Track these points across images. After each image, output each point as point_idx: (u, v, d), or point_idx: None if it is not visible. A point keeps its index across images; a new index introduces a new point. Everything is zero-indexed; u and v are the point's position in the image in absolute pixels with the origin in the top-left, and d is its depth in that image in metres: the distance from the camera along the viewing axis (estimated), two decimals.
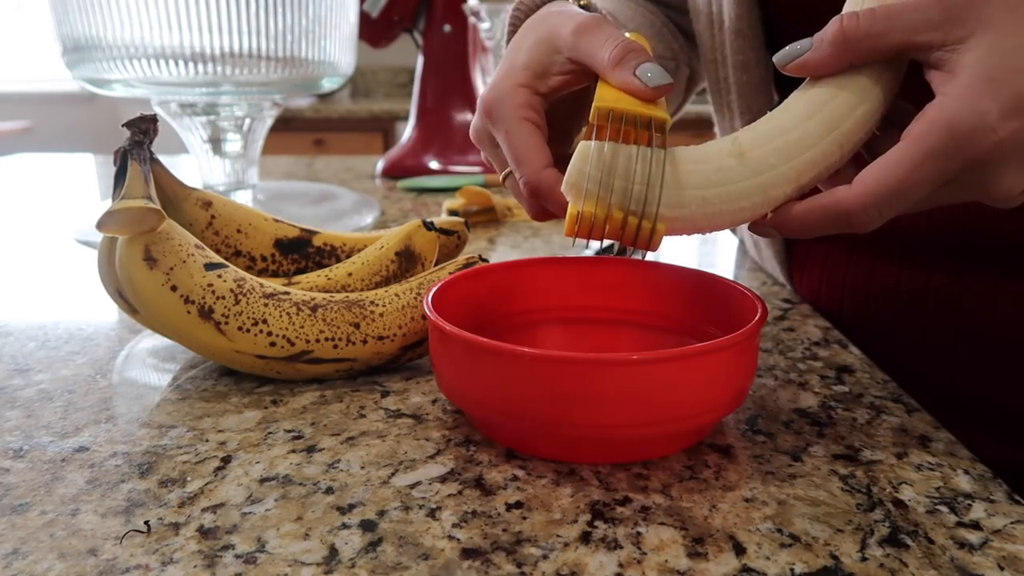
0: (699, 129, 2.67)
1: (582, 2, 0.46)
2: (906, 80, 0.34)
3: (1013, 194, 0.31)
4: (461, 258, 0.46)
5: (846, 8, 0.34)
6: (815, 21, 0.47)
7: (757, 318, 0.35)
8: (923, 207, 0.33)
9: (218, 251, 0.47)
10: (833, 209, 0.32)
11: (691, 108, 0.69)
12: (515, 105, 0.39)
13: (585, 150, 0.34)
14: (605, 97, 0.35)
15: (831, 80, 0.33)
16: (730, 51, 0.55)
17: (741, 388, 0.35)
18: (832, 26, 0.33)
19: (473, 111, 1.10)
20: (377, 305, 0.43)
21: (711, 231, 0.34)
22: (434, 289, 0.39)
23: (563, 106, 0.42)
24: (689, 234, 0.34)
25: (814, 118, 0.33)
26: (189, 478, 0.33)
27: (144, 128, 0.42)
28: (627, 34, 0.42)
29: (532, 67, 0.39)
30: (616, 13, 0.55)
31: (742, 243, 0.75)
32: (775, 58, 0.35)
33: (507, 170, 0.41)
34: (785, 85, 0.56)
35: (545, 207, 0.39)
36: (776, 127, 0.33)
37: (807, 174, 0.33)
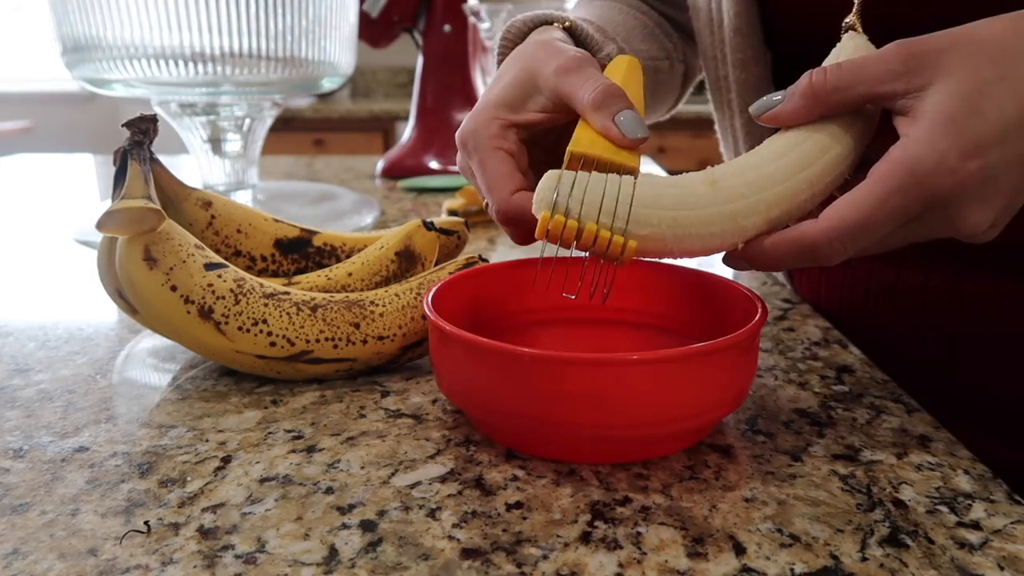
0: (699, 129, 2.67)
1: (566, 24, 0.47)
2: (884, 124, 0.35)
3: (979, 230, 0.33)
4: (461, 258, 0.46)
5: (825, 62, 0.35)
6: (813, 19, 0.47)
7: (757, 318, 0.35)
8: (892, 245, 0.34)
9: (218, 251, 0.47)
10: (798, 242, 0.33)
11: (691, 108, 0.69)
12: (487, 136, 0.40)
13: (553, 173, 0.35)
14: (581, 139, 0.36)
15: (805, 127, 0.35)
16: (729, 49, 0.55)
17: (741, 388, 0.35)
18: (803, 81, 0.34)
19: None
20: (377, 305, 0.43)
21: (681, 255, 0.35)
22: (434, 289, 0.39)
23: (554, 133, 0.43)
24: (660, 256, 0.35)
25: (785, 157, 0.34)
26: (189, 478, 0.33)
27: (144, 128, 0.42)
28: (621, 56, 0.44)
29: (507, 101, 0.40)
30: (605, 19, 0.56)
31: None
32: (751, 109, 0.36)
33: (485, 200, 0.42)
34: (784, 85, 0.56)
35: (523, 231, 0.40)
36: (748, 163, 0.34)
37: (776, 208, 0.34)
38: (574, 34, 0.48)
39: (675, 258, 0.35)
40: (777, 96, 0.35)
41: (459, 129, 0.41)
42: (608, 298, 0.37)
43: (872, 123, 0.35)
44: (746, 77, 0.55)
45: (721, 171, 0.34)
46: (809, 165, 0.34)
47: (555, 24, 0.47)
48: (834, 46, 0.41)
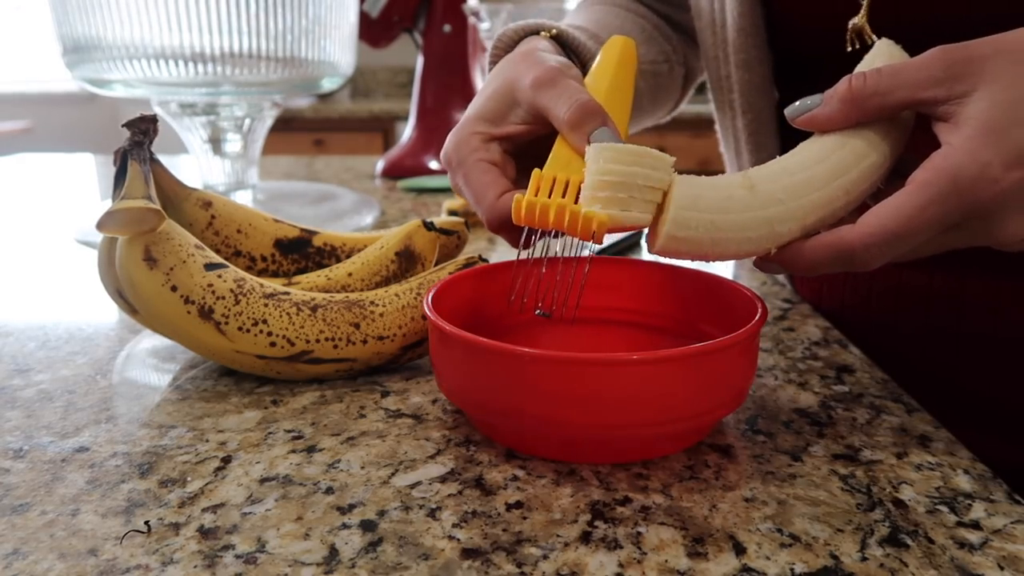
0: (699, 129, 2.67)
1: (552, 32, 0.47)
2: (916, 131, 0.35)
3: (1018, 239, 0.33)
4: (461, 258, 0.46)
5: (858, 69, 0.35)
6: (818, 20, 0.47)
7: (757, 318, 0.35)
8: (929, 252, 0.34)
9: (218, 251, 0.47)
10: (836, 246, 0.33)
11: (691, 108, 0.69)
12: (469, 150, 0.40)
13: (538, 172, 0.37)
14: (559, 157, 0.38)
15: (841, 133, 0.34)
16: (732, 49, 0.55)
17: (741, 388, 0.35)
18: (841, 85, 0.34)
19: None
20: (377, 305, 0.43)
21: (715, 258, 0.34)
22: (434, 289, 0.39)
23: (538, 142, 0.42)
24: (694, 259, 0.35)
25: (822, 164, 0.34)
26: (189, 478, 0.33)
27: (144, 128, 0.42)
28: (615, 37, 0.45)
29: (486, 116, 0.41)
30: (601, 24, 0.56)
31: None
32: (787, 111, 0.36)
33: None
34: (786, 86, 0.56)
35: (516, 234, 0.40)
36: (784, 168, 0.34)
37: (812, 215, 0.33)
38: (562, 42, 0.48)
39: (707, 261, 0.35)
40: (814, 99, 0.35)
41: (443, 147, 0.41)
42: (577, 309, 0.40)
43: (907, 132, 0.35)
44: (750, 77, 0.55)
45: (758, 175, 0.34)
46: (846, 172, 0.34)
47: (542, 33, 0.47)
48: (840, 47, 0.41)
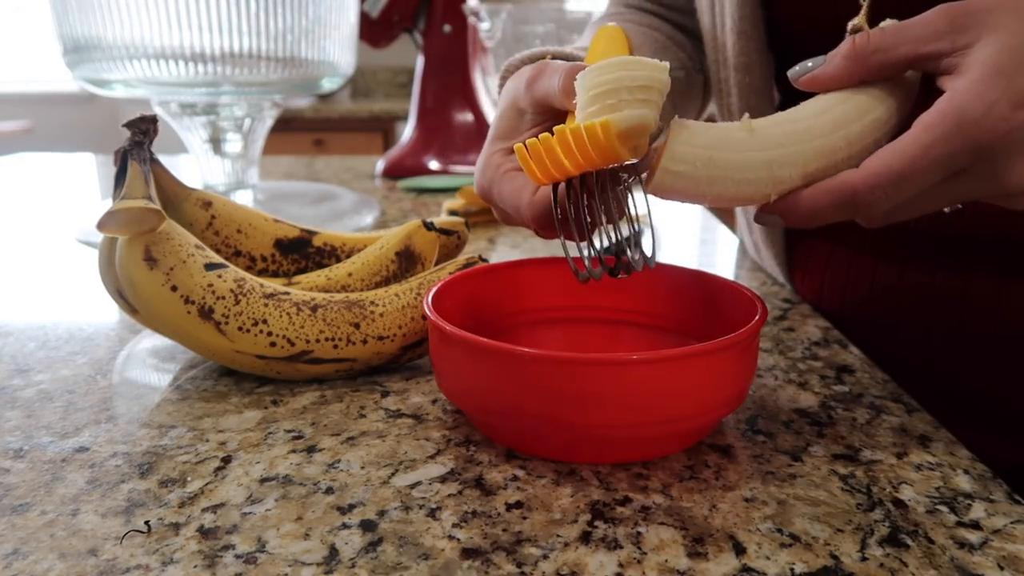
0: None
1: (553, 54, 0.47)
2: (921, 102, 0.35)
3: None
4: (461, 258, 0.46)
5: None
6: (818, 22, 0.46)
7: (757, 318, 0.35)
8: (934, 205, 0.33)
9: (218, 251, 0.47)
10: (839, 191, 0.32)
11: None
12: (494, 167, 0.40)
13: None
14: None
15: (845, 91, 0.34)
16: (732, 52, 0.55)
17: (741, 388, 0.35)
18: (845, 43, 0.34)
19: (473, 111, 1.10)
20: (377, 305, 0.43)
21: (713, 200, 0.33)
22: (434, 289, 0.39)
23: None
24: (690, 199, 0.34)
25: (824, 115, 0.33)
26: (189, 478, 0.33)
27: (144, 128, 0.42)
28: (602, 27, 0.44)
29: (501, 133, 0.41)
30: (585, 43, 0.55)
31: (742, 243, 0.75)
32: (789, 73, 0.35)
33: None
34: (787, 88, 0.56)
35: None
36: (787, 117, 0.34)
37: (813, 162, 0.33)
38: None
39: (705, 204, 0.34)
40: (816, 60, 0.34)
41: (475, 181, 0.42)
42: (649, 264, 0.36)
43: (911, 95, 0.35)
44: (750, 80, 0.55)
45: (758, 121, 0.34)
46: (848, 124, 0.33)
47: (547, 58, 0.47)
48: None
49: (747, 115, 0.34)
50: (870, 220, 0.33)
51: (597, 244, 0.35)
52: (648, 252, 0.37)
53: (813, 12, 0.50)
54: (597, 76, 0.32)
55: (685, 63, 0.61)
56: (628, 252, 0.36)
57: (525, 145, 0.33)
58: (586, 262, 0.35)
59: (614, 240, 0.36)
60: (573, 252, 0.34)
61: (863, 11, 0.39)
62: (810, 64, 0.35)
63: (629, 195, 0.37)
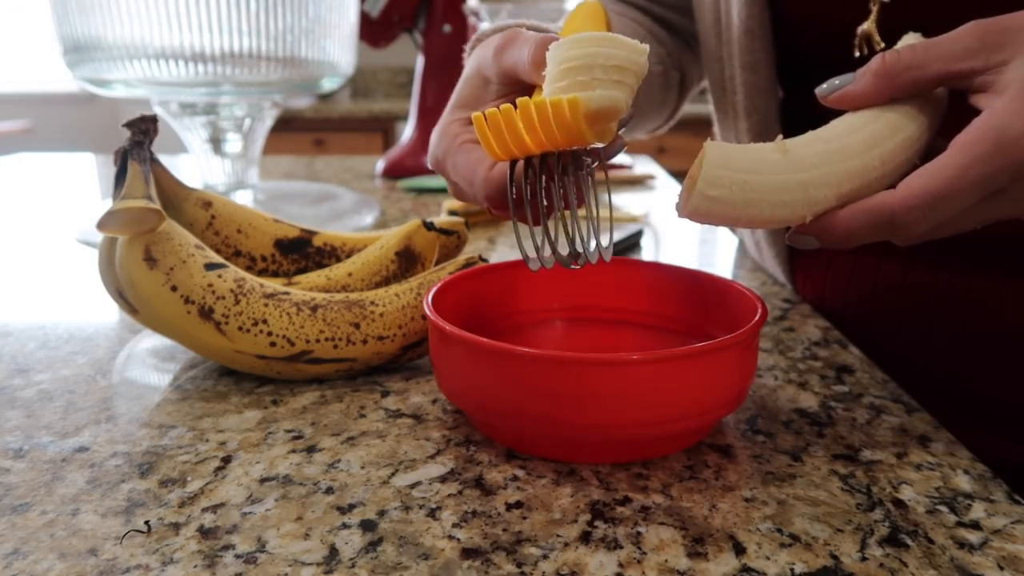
0: (699, 129, 2.67)
1: (528, 26, 0.45)
2: (949, 119, 0.34)
3: None
4: (461, 258, 0.46)
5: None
6: (826, 22, 0.46)
7: (757, 318, 0.35)
8: (970, 224, 0.33)
9: (218, 251, 0.47)
10: (877, 211, 0.32)
11: (691, 108, 0.69)
12: (451, 137, 0.38)
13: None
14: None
15: (874, 109, 0.34)
16: (738, 51, 0.55)
17: (741, 388, 0.35)
18: (874, 61, 0.33)
19: None
20: (377, 305, 0.43)
21: (747, 223, 0.33)
22: (434, 289, 0.39)
23: None
24: (726, 222, 0.33)
25: (856, 134, 0.33)
26: (189, 478, 0.33)
27: (144, 128, 0.42)
28: (580, 4, 0.42)
29: (462, 101, 0.39)
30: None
31: (742, 243, 0.75)
32: (817, 90, 0.35)
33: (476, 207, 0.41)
34: (791, 86, 0.56)
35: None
36: (819, 137, 0.33)
37: (847, 183, 0.32)
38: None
39: (739, 227, 0.33)
40: (845, 77, 0.34)
41: (429, 150, 0.40)
42: (607, 254, 0.34)
43: (940, 111, 0.35)
44: (756, 80, 0.55)
45: (791, 141, 0.33)
46: (881, 143, 0.33)
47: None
48: (846, 49, 0.40)
49: (780, 136, 0.34)
50: (905, 240, 0.32)
51: (552, 229, 0.33)
52: (605, 243, 0.35)
53: (821, 11, 0.50)
54: (570, 49, 0.31)
55: (663, 58, 0.60)
56: (583, 241, 0.34)
57: (485, 115, 0.31)
58: (537, 248, 0.33)
59: (570, 227, 0.33)
60: (525, 235, 0.32)
61: (872, 16, 0.39)
62: (837, 82, 0.34)
63: (590, 181, 0.35)
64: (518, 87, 0.37)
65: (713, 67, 0.60)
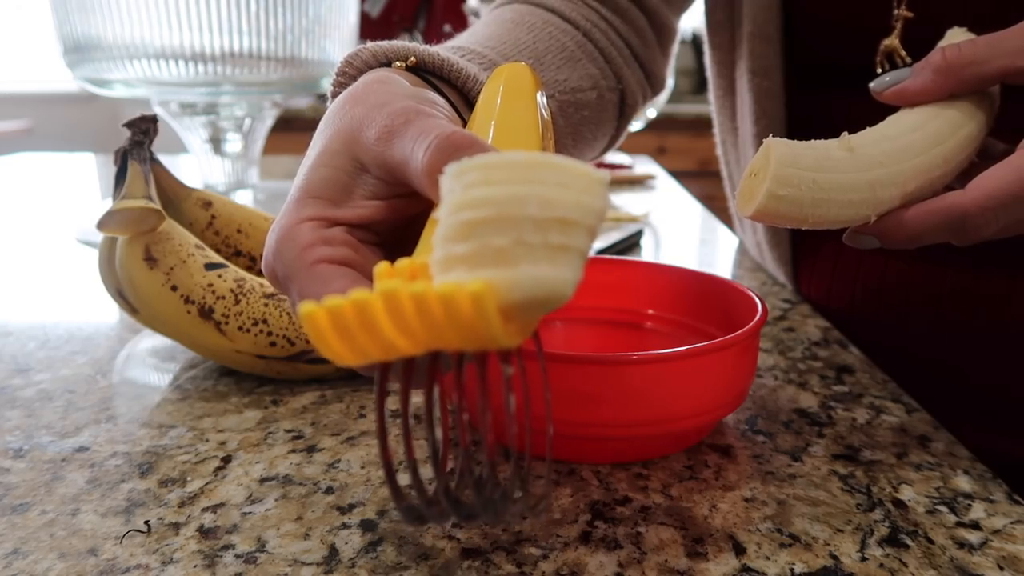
0: (699, 129, 2.67)
1: (410, 61, 0.34)
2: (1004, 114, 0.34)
3: None
4: None
5: (941, 44, 0.34)
6: (843, 29, 0.45)
7: (757, 318, 0.35)
8: None
9: (218, 251, 0.47)
10: (947, 212, 0.31)
11: (691, 108, 0.69)
12: (298, 248, 0.25)
13: None
14: (429, 240, 0.22)
15: (932, 105, 0.33)
16: (748, 55, 0.54)
17: (741, 388, 0.35)
18: (934, 56, 0.33)
19: None
20: None
21: (813, 224, 0.32)
22: None
23: (418, 221, 0.27)
24: (791, 224, 0.32)
25: (918, 132, 0.33)
26: (189, 478, 0.33)
27: (144, 128, 0.42)
28: (501, 66, 0.33)
29: (318, 190, 0.27)
30: (502, 39, 0.42)
31: (742, 243, 0.75)
32: (872, 85, 0.34)
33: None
34: (799, 92, 0.55)
35: None
36: (882, 134, 0.33)
37: (912, 182, 0.32)
38: (428, 69, 0.34)
39: (803, 227, 0.33)
40: (901, 72, 0.33)
41: (264, 258, 0.27)
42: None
43: (995, 107, 0.34)
44: (768, 85, 0.54)
45: (856, 139, 0.33)
46: (944, 141, 0.32)
47: (395, 65, 0.33)
48: (860, 56, 0.40)
49: (845, 133, 0.33)
50: (971, 241, 0.32)
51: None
52: (534, 490, 0.26)
53: (838, 16, 0.49)
54: (479, 187, 0.18)
55: (597, 80, 0.47)
56: (488, 487, 0.21)
57: (326, 308, 0.18)
58: (418, 493, 0.22)
59: (469, 467, 0.22)
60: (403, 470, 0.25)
61: (896, 32, 0.39)
62: (889, 78, 0.34)
63: (506, 385, 0.21)
64: (404, 188, 0.27)
65: (721, 72, 0.59)
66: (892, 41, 0.38)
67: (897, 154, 0.32)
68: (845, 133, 0.33)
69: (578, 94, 0.46)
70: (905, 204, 0.32)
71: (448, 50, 0.37)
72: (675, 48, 0.56)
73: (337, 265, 0.25)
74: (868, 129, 0.33)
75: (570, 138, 0.47)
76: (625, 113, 0.53)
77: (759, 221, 0.33)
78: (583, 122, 0.47)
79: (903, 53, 0.39)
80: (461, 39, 0.42)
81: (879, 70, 0.41)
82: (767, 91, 0.55)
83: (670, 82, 0.60)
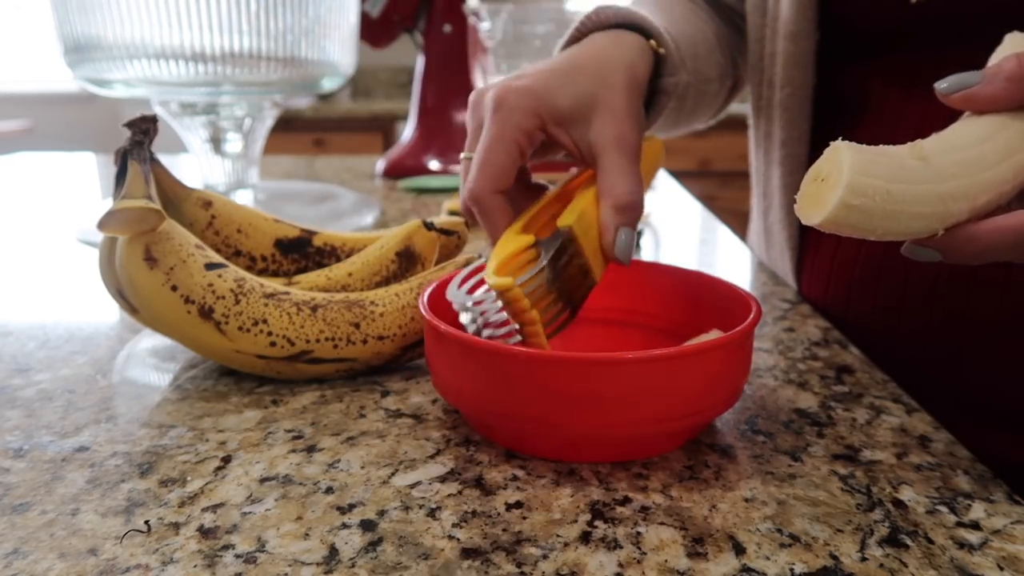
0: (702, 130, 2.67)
1: (660, 51, 0.45)
2: None
3: None
4: (461, 258, 0.46)
5: (990, 62, 0.33)
6: (869, 22, 0.46)
7: (751, 318, 0.35)
8: None
9: (218, 251, 0.47)
10: (1018, 230, 0.30)
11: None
12: (515, 123, 0.38)
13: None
14: (575, 209, 0.38)
15: (1000, 114, 0.32)
16: (782, 22, 0.55)
17: (735, 387, 0.35)
18: (1008, 63, 0.32)
19: None
20: (377, 305, 0.43)
21: (881, 235, 0.30)
22: (430, 288, 0.39)
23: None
24: (859, 234, 0.31)
25: (988, 143, 0.31)
26: (189, 478, 0.33)
27: (144, 128, 0.42)
28: (650, 139, 0.44)
29: (557, 112, 0.39)
30: (681, 29, 0.53)
31: (742, 243, 0.75)
32: (938, 87, 0.33)
33: (467, 155, 0.42)
34: (825, 66, 0.56)
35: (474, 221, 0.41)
36: (952, 144, 0.31)
37: (983, 195, 0.31)
38: (657, 54, 0.46)
39: (870, 238, 0.31)
40: (971, 76, 0.32)
41: (498, 85, 0.39)
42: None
43: None
44: (795, 50, 0.55)
45: (928, 147, 0.31)
46: (1014, 153, 0.31)
47: (651, 42, 0.45)
48: (892, 29, 0.39)
49: (919, 140, 0.32)
50: None
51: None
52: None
53: (863, 13, 0.50)
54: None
55: (724, 70, 0.59)
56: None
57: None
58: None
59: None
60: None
61: None
62: (958, 81, 0.32)
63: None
64: (582, 160, 0.41)
65: (755, 47, 0.60)
66: None
67: (970, 166, 0.31)
68: (917, 141, 0.31)
69: (707, 84, 0.57)
70: (971, 218, 0.31)
71: (669, 38, 0.47)
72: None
73: (518, 148, 0.39)
74: (934, 136, 0.32)
75: (684, 116, 0.57)
76: (730, 97, 0.64)
77: (825, 230, 0.31)
78: (699, 104, 0.58)
79: None
80: (659, 18, 0.51)
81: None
82: (795, 58, 0.55)
83: None
